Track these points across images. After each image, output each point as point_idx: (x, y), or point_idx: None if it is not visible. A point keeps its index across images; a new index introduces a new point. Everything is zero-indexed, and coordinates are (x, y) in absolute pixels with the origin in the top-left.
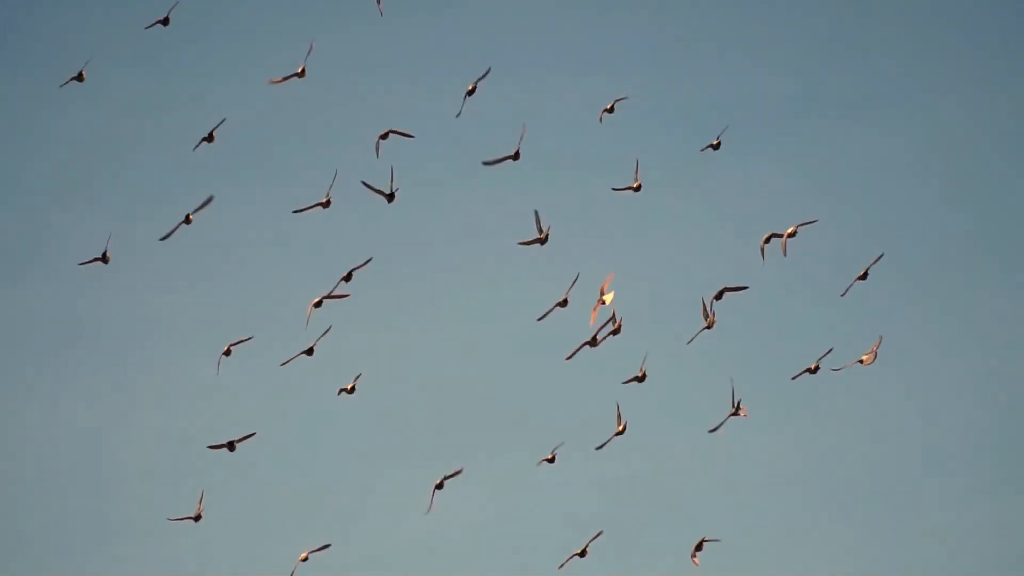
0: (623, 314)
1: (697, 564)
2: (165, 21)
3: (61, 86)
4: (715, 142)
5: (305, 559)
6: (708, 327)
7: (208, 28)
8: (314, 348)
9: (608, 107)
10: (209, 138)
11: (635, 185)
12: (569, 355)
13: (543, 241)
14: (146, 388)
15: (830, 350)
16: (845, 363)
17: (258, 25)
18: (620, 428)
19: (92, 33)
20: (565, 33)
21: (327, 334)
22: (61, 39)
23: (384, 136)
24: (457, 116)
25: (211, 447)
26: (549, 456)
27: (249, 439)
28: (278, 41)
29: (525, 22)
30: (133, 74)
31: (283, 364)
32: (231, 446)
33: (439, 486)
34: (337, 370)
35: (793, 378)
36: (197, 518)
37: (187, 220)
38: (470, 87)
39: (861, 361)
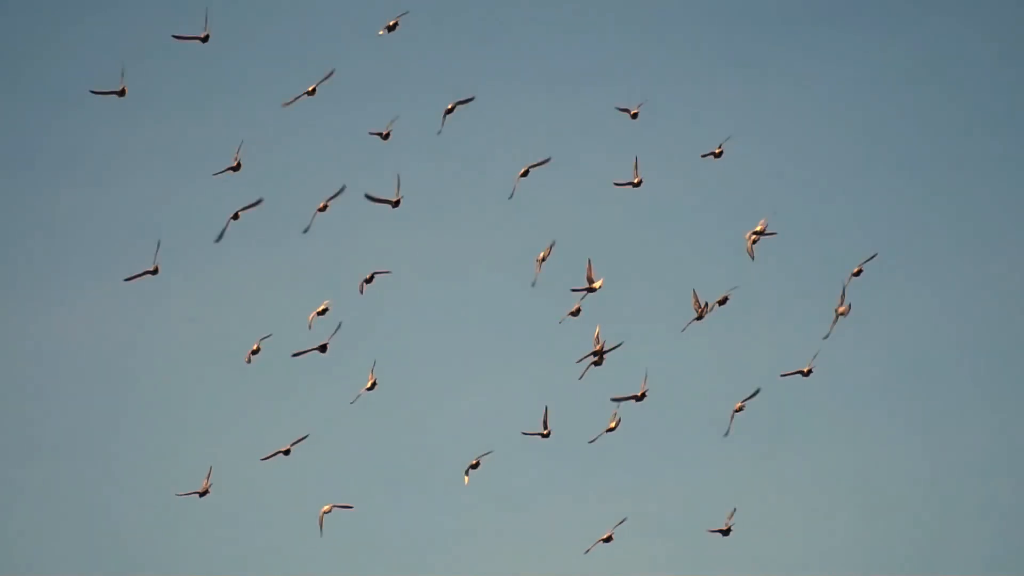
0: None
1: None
2: (205, 39)
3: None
4: (717, 150)
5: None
6: (699, 318)
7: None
8: (327, 345)
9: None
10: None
11: (636, 180)
12: (581, 375)
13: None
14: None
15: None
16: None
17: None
18: (613, 425)
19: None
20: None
21: (338, 331)
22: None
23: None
24: (439, 133)
25: (265, 458)
26: (545, 430)
27: (303, 441)
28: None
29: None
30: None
31: (295, 355)
32: (287, 452)
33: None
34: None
35: (783, 375)
36: (204, 493)
37: (235, 216)
38: (449, 106)
39: (839, 312)
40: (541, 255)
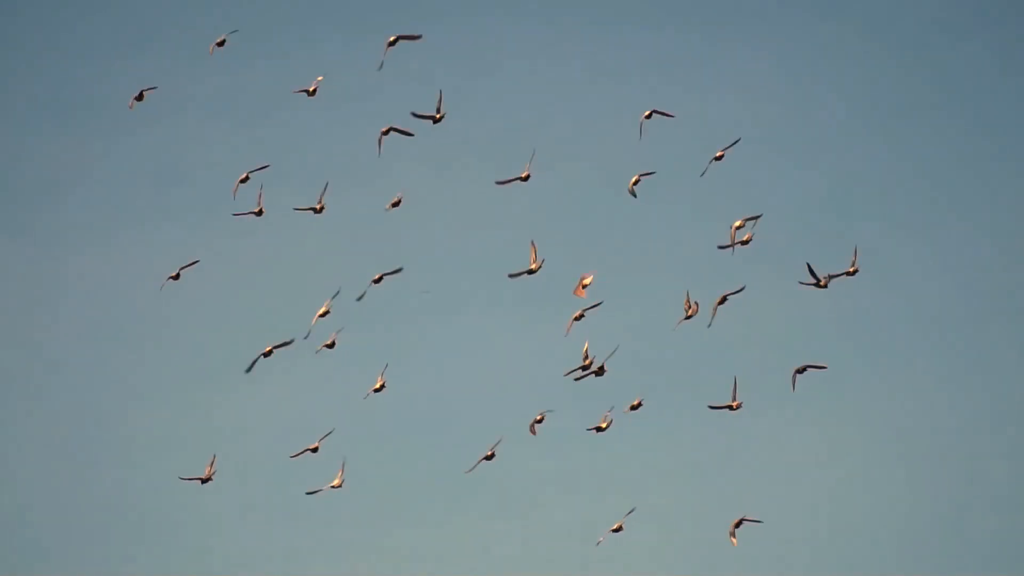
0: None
1: (735, 543)
2: (222, 43)
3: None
4: (719, 154)
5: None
6: (689, 316)
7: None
8: (335, 341)
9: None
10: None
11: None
12: (578, 378)
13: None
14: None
15: (824, 366)
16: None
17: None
18: (604, 424)
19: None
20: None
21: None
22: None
23: (386, 132)
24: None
25: (294, 456)
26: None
27: (329, 436)
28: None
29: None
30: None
31: (316, 354)
32: (315, 450)
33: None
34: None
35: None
36: (206, 480)
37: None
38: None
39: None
40: (531, 264)
